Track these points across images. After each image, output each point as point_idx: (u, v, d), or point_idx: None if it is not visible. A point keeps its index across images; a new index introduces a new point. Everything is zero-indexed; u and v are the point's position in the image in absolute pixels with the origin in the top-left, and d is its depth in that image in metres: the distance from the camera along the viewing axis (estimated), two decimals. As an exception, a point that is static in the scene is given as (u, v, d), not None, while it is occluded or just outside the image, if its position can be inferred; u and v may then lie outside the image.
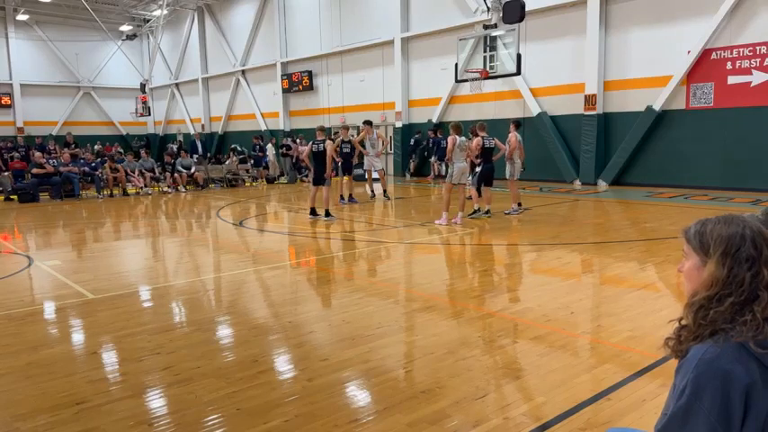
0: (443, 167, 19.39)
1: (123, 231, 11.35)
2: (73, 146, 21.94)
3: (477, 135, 11.21)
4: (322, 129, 11.70)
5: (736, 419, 1.37)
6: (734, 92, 13.86)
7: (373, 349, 4.36)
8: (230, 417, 3.36)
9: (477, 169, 11.07)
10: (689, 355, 1.45)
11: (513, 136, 11.22)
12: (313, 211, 11.45)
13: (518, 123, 11.58)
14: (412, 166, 21.38)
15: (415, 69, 21.30)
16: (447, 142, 10.42)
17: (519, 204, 11.45)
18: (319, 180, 11.27)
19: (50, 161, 17.07)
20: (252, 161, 21.58)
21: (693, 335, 1.48)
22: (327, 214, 11.24)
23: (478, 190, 11.14)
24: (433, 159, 20.12)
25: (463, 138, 10.42)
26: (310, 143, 11.65)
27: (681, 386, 1.43)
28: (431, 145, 19.52)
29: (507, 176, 11.47)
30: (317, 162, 11.26)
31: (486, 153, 10.99)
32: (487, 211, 10.95)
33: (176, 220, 12.79)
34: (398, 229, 10.28)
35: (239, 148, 22.71)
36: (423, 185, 18.73)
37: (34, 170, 16.32)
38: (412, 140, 21.14)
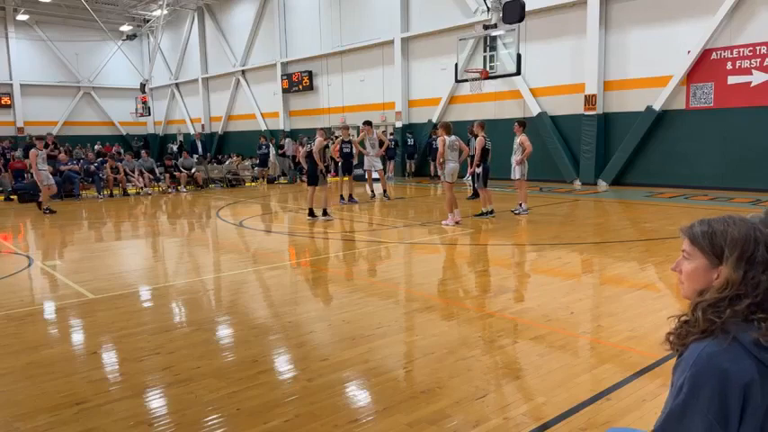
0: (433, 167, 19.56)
1: (123, 231, 11.35)
2: (52, 146, 21.37)
3: (475, 135, 11.12)
4: (321, 130, 11.72)
5: (733, 417, 1.37)
6: (734, 92, 13.86)
7: (373, 349, 4.36)
8: (230, 417, 3.36)
9: (478, 170, 10.98)
10: (686, 353, 1.45)
11: (526, 139, 11.02)
12: (311, 212, 11.45)
13: (525, 123, 11.41)
14: (409, 166, 21.44)
15: (414, 69, 21.30)
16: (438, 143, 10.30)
17: (520, 204, 11.42)
18: (313, 180, 11.26)
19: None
20: (257, 160, 21.55)
21: (699, 330, 1.47)
22: (325, 213, 11.24)
23: (475, 190, 11.06)
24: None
25: (453, 137, 10.32)
26: (309, 144, 11.70)
27: (678, 383, 1.43)
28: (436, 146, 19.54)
29: (518, 177, 11.21)
30: (310, 162, 11.28)
31: (485, 153, 10.93)
32: (491, 212, 10.92)
33: (176, 220, 12.79)
34: (398, 229, 10.28)
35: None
36: (423, 185, 18.72)
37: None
38: (411, 141, 21.21)
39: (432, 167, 20.03)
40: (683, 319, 1.54)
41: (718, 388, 1.37)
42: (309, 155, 11.27)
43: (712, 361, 1.39)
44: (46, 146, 21.19)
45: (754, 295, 1.43)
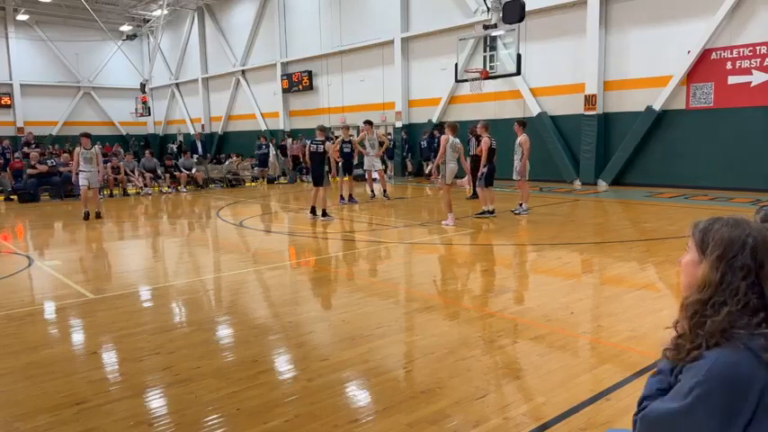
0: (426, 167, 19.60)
1: (123, 231, 11.35)
2: (34, 145, 21.33)
3: (477, 135, 11.08)
4: (322, 129, 11.67)
5: (740, 425, 1.37)
6: (734, 92, 13.85)
7: (373, 349, 4.36)
8: (230, 417, 3.36)
9: (483, 170, 10.93)
10: (703, 359, 1.43)
11: (526, 140, 10.99)
12: (313, 211, 11.45)
13: (525, 123, 11.39)
14: (409, 165, 21.47)
15: (414, 69, 21.30)
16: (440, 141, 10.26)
17: (520, 204, 11.41)
18: (319, 180, 11.25)
19: (48, 161, 17.07)
20: (257, 161, 21.54)
21: (691, 344, 1.46)
22: (324, 214, 11.25)
23: (474, 190, 11.02)
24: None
25: (457, 139, 10.30)
26: (308, 143, 11.66)
27: (689, 385, 1.42)
28: (425, 145, 19.56)
29: (519, 177, 11.21)
30: (314, 162, 11.26)
31: (491, 154, 10.91)
32: (492, 211, 10.91)
33: (176, 221, 12.78)
34: (398, 229, 10.28)
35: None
36: (422, 185, 18.71)
37: (28, 170, 16.30)
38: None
39: (425, 167, 20.06)
40: (678, 332, 1.54)
41: (728, 395, 1.37)
42: (312, 155, 11.25)
43: (727, 370, 1.38)
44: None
45: (734, 302, 1.42)
